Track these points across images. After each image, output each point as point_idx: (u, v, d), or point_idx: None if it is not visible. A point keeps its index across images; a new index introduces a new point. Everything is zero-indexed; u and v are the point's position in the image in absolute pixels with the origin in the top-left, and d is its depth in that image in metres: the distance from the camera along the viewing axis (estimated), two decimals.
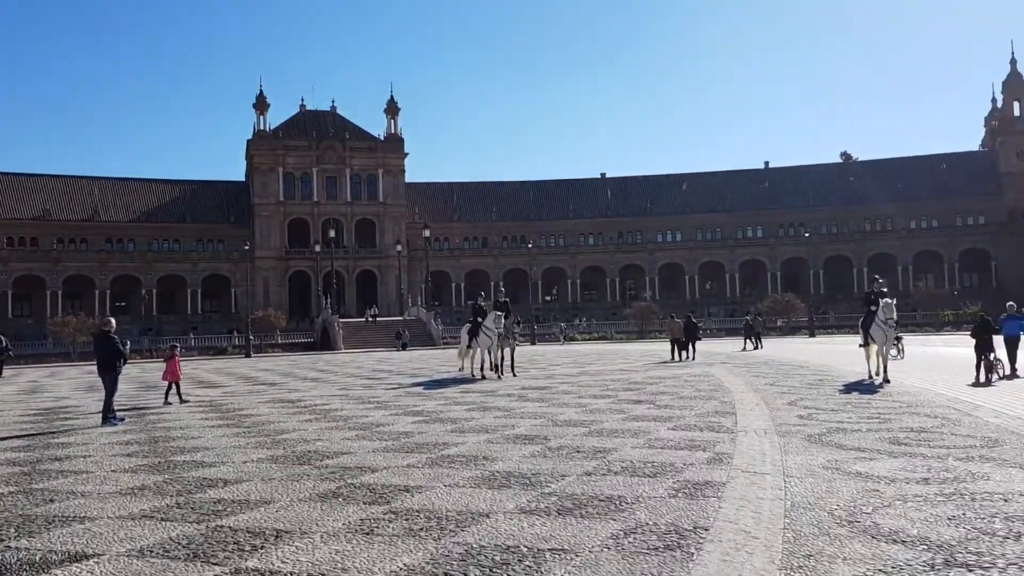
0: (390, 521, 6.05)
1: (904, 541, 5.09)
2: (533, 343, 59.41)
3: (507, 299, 24.26)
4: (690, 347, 31.39)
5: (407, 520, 6.06)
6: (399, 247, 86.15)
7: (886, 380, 17.15)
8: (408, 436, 10.77)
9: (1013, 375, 18.20)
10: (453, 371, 25.80)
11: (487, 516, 6.08)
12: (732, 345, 44.42)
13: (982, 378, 17.84)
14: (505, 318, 22.14)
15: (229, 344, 63.94)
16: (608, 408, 13.57)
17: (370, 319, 71.25)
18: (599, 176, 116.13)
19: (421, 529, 5.77)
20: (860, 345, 19.03)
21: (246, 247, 75.10)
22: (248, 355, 54.09)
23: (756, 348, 39.58)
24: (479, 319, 22.35)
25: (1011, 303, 19.88)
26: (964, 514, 5.77)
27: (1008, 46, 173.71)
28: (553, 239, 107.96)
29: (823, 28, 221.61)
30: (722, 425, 11.06)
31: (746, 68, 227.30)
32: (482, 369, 22.45)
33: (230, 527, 6.04)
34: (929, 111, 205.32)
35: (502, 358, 22.32)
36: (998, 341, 18.63)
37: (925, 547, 4.95)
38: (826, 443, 9.31)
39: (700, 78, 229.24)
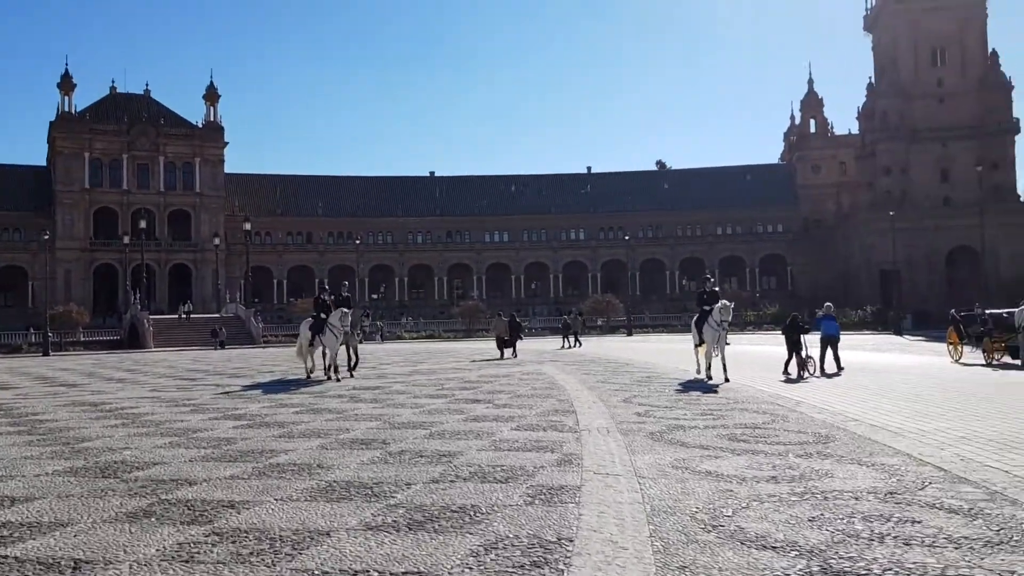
0: (214, 545, 5.25)
1: (774, 547, 4.90)
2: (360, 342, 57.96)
3: (349, 293, 22.82)
4: (513, 345, 32.18)
5: (234, 543, 5.28)
6: (217, 240, 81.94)
7: (709, 376, 17.65)
8: (230, 443, 9.81)
9: (838, 371, 19.14)
10: (277, 371, 24.49)
11: (327, 535, 5.41)
12: (554, 343, 45.15)
13: (793, 374, 18.80)
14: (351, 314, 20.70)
15: (25, 342, 58.46)
16: (446, 408, 13.08)
17: (184, 316, 67.28)
18: (429, 174, 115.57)
19: (251, 553, 5.03)
20: (696, 345, 19.06)
21: (46, 237, 68.85)
22: (46, 353, 49.70)
23: (572, 346, 40.52)
24: (323, 315, 20.47)
25: (828, 304, 21.05)
26: (822, 515, 5.70)
27: (807, 68, 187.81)
28: (381, 236, 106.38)
29: (643, 43, 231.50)
30: (564, 424, 10.84)
31: (570, 78, 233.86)
32: (328, 370, 20.31)
33: (16, 557, 5.03)
34: (736, 126, 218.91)
35: (348, 357, 21.01)
36: (810, 340, 19.66)
37: (797, 553, 4.77)
38: (669, 441, 9.24)
39: (531, 84, 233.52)
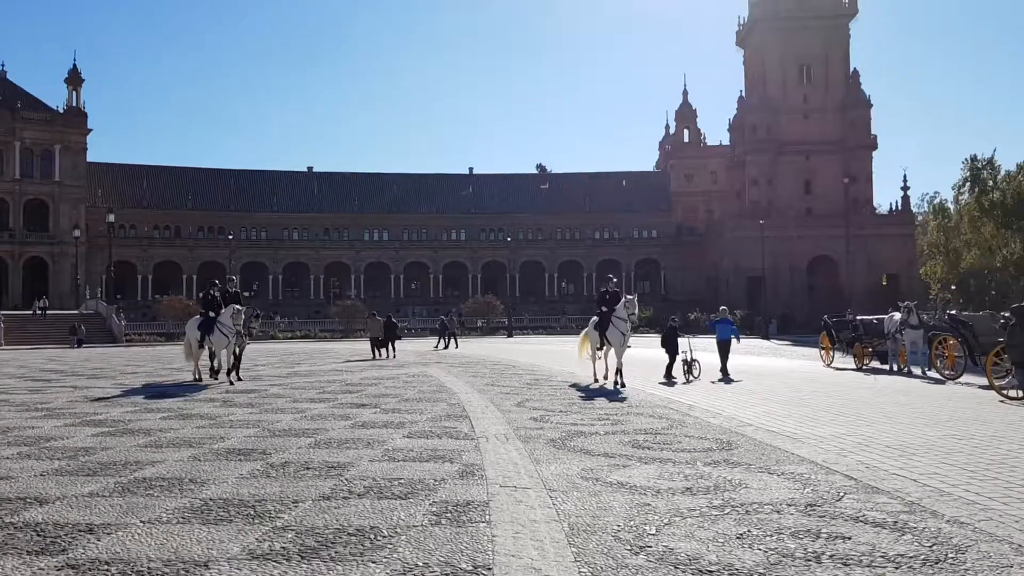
0: None
1: (711, 571, 4.50)
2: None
3: (238, 289, 20.99)
4: (390, 346, 32.13)
5: None
6: (77, 232, 77.02)
7: (622, 384, 16.53)
8: (88, 453, 8.77)
9: (726, 378, 18.96)
10: (141, 373, 22.87)
11: (205, 566, 4.67)
12: (432, 344, 44.58)
13: (679, 379, 18.88)
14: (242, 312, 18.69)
15: None
16: (330, 414, 12.28)
17: (39, 312, 62.83)
18: (307, 170, 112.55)
19: None
20: (596, 348, 18.16)
21: None
22: None
23: (447, 347, 40.13)
24: (211, 312, 18.44)
25: (724, 307, 21.17)
26: (749, 531, 5.37)
27: (682, 79, 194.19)
28: (255, 232, 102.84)
29: (526, 47, 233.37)
30: (459, 431, 10.28)
31: (453, 79, 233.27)
32: (217, 373, 18.61)
33: None
34: (614, 133, 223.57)
35: (236, 358, 18.66)
36: (701, 343, 19.81)
37: None
38: (572, 448, 8.84)
39: (412, 83, 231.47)
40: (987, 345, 18.41)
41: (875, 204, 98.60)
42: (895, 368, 22.22)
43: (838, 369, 23.14)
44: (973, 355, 18.53)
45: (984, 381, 17.81)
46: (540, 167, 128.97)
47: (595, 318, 18.07)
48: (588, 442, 9.32)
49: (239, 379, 18.32)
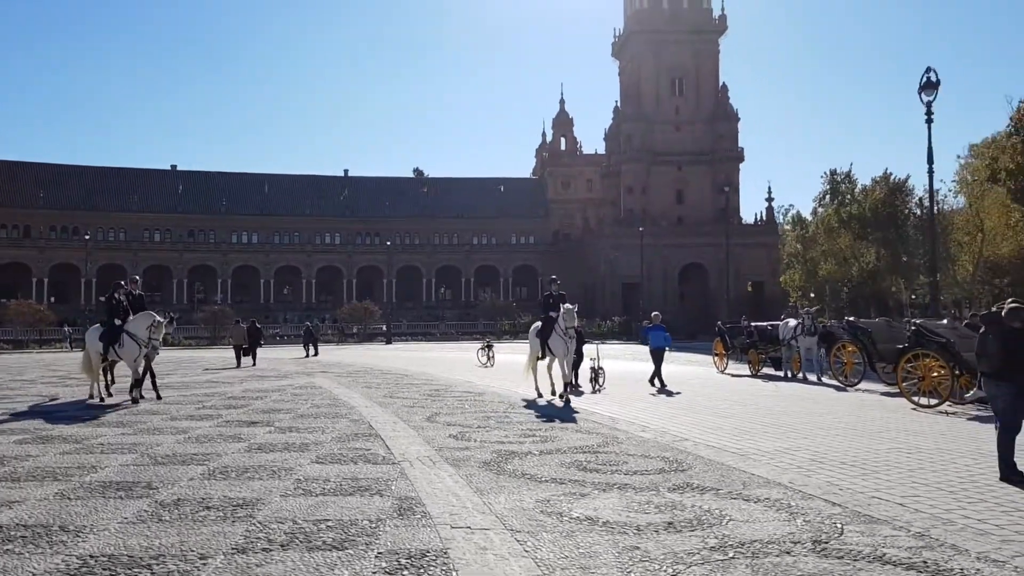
0: None
1: None
2: (72, 349, 51.95)
3: (142, 292, 17.96)
4: (253, 352, 31.44)
5: None
6: None
7: (567, 398, 14.74)
8: None
9: (663, 389, 18.10)
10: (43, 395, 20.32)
11: None
12: (300, 351, 42.71)
13: (587, 387, 18.17)
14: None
15: None
16: (218, 434, 10.78)
17: None
18: (170, 168, 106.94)
19: None
20: (538, 358, 16.12)
21: None
22: None
23: (310, 355, 38.53)
24: (116, 320, 15.47)
25: (656, 312, 20.51)
26: None
27: (559, 88, 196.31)
28: (113, 233, 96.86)
29: (403, 51, 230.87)
30: (375, 453, 9.08)
31: (326, 78, 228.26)
32: (132, 390, 15.48)
33: None
34: (492, 139, 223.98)
35: (150, 372, 16.31)
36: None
37: None
38: (512, 474, 7.82)
39: (282, 79, 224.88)
40: (885, 352, 18.60)
41: (742, 214, 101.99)
42: (789, 375, 22.31)
43: (734, 376, 23.05)
44: (872, 362, 18.65)
45: (884, 388, 18.01)
46: (417, 171, 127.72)
47: (537, 324, 16.44)
48: (526, 465, 8.32)
49: (158, 397, 15.72)
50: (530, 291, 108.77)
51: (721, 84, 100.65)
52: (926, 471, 8.05)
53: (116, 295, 15.89)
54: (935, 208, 27.92)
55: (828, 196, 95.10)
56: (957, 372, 14.07)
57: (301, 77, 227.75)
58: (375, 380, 21.25)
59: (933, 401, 14.19)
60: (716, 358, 25.44)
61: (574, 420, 12.26)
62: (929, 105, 23.73)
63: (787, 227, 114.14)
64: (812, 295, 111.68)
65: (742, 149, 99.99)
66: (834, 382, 19.72)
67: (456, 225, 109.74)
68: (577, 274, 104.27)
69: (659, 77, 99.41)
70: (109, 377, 16.67)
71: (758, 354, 23.38)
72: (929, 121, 24.24)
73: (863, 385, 18.60)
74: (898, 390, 17.47)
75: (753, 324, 24.65)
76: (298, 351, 43.60)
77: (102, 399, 15.59)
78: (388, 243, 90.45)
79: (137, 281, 18.01)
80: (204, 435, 10.68)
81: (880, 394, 17.27)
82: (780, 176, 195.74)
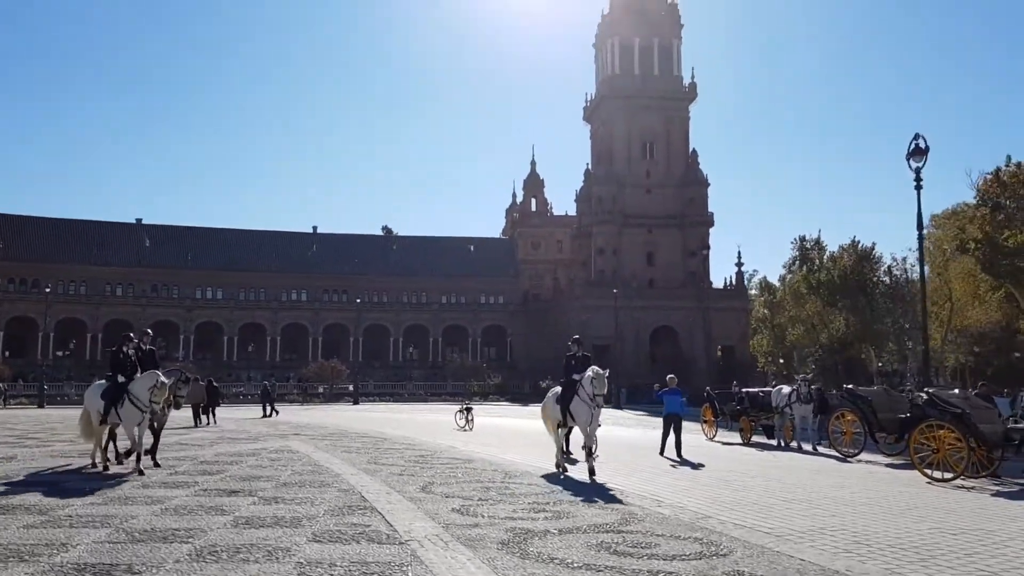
0: None
1: None
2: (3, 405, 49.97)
3: (154, 347, 15.81)
4: (211, 412, 31.31)
5: None
6: None
7: (591, 468, 12.88)
8: None
9: (679, 458, 17.08)
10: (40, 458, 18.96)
11: None
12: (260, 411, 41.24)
13: (575, 454, 17.37)
14: (182, 379, 15.28)
15: None
16: (198, 505, 9.80)
17: None
18: (135, 221, 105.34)
19: None
20: (557, 426, 14.30)
21: None
22: None
23: (268, 415, 37.31)
24: (120, 376, 13.72)
25: (671, 375, 19.72)
26: None
27: (530, 149, 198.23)
28: (73, 286, 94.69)
29: (373, 108, 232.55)
30: (377, 530, 8.19)
31: (301, 133, 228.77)
32: (128, 456, 14.01)
33: None
34: (461, 198, 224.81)
35: (154, 436, 14.67)
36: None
37: None
38: (538, 558, 7.00)
39: (251, 134, 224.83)
40: (886, 421, 18.06)
41: (711, 279, 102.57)
42: (782, 443, 21.69)
43: (724, 443, 22.35)
44: (872, 431, 18.08)
45: (886, 459, 17.43)
46: (386, 229, 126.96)
47: (556, 388, 14.53)
48: (550, 546, 7.50)
49: (156, 464, 14.03)
50: (499, 351, 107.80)
51: (691, 149, 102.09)
52: (984, 556, 7.39)
53: (124, 348, 14.07)
54: (920, 274, 27.78)
55: (798, 262, 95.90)
56: (973, 445, 13.52)
57: (271, 131, 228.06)
58: (354, 444, 20.23)
59: (948, 475, 13.59)
60: (704, 425, 24.75)
61: (581, 493, 11.43)
62: (918, 172, 23.67)
63: (754, 292, 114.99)
64: (781, 360, 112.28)
65: (712, 214, 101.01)
66: (831, 452, 19.12)
67: (424, 284, 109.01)
68: (548, 335, 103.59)
69: (630, 141, 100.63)
70: (112, 443, 14.47)
71: (750, 421, 22.76)
72: (918, 187, 24.17)
73: (864, 456, 18.00)
74: (902, 461, 16.97)
75: (744, 390, 24.07)
76: (258, 411, 42.03)
77: (105, 467, 13.67)
78: (359, 300, 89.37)
79: (149, 335, 15.91)
80: (182, 506, 9.70)
81: (884, 465, 16.68)
82: (747, 242, 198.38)
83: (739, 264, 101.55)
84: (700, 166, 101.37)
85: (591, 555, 7.12)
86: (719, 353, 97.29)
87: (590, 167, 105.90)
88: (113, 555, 6.86)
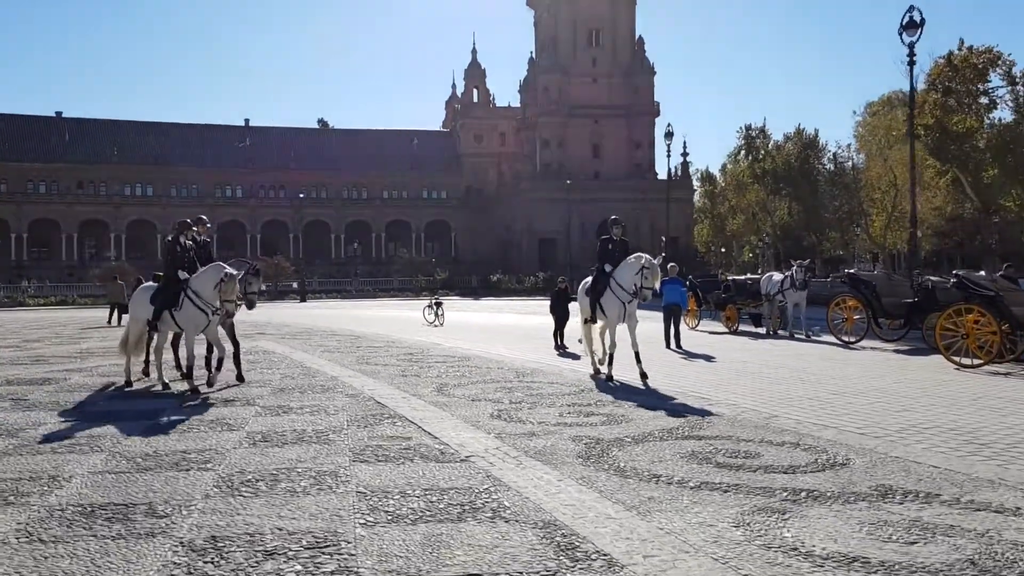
0: None
1: None
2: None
3: (209, 240, 12.55)
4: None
5: None
6: None
7: (608, 375, 11.56)
8: None
9: (681, 351, 16.46)
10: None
11: None
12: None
13: (572, 348, 16.50)
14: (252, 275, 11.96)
15: None
16: (198, 421, 8.44)
17: None
18: (55, 115, 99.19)
19: None
20: (585, 320, 12.63)
21: None
22: None
23: None
24: (180, 272, 11.06)
25: (673, 264, 18.64)
26: None
27: (471, 38, 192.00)
28: None
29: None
30: (426, 445, 6.99)
31: (230, 22, 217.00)
32: (185, 373, 11.29)
33: None
34: (399, 90, 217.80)
35: (235, 345, 12.06)
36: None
37: None
38: (638, 474, 5.90)
39: (179, 23, 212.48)
40: (890, 306, 17.46)
41: (657, 169, 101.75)
42: (771, 331, 21.09)
43: (712, 333, 21.65)
44: (876, 317, 17.47)
45: (892, 346, 16.86)
46: (322, 122, 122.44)
47: (588, 279, 12.60)
48: (637, 460, 6.41)
49: (241, 379, 11.49)
50: (443, 247, 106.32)
51: (637, 37, 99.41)
52: None
53: (181, 239, 11.40)
54: (910, 157, 27.11)
55: (743, 151, 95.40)
56: (1006, 329, 12.86)
57: (198, 20, 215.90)
58: (328, 343, 18.92)
59: (976, 361, 12.95)
60: (687, 314, 23.97)
61: (614, 393, 10.40)
62: (911, 46, 22.62)
63: (695, 183, 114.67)
64: (723, 249, 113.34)
65: (658, 103, 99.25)
66: (827, 339, 18.52)
67: (365, 179, 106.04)
68: (492, 229, 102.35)
69: (576, 28, 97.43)
70: (183, 358, 11.57)
71: (736, 310, 22.05)
72: (911, 63, 23.17)
73: (867, 343, 17.40)
74: (908, 347, 16.42)
75: (731, 278, 23.30)
76: None
77: (129, 382, 11.39)
78: (301, 195, 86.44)
79: (205, 223, 12.29)
80: (178, 421, 8.36)
81: (894, 352, 16.07)
82: (692, 132, 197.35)
83: (684, 154, 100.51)
84: (647, 54, 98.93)
85: (695, 469, 6.05)
86: (663, 243, 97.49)
87: (534, 56, 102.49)
88: (122, 491, 5.53)
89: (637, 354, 11.40)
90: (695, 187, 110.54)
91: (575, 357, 15.18)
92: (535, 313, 35.23)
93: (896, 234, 78.57)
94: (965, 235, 76.24)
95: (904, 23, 22.40)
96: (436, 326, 25.63)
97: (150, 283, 11.99)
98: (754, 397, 9.82)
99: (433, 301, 27.60)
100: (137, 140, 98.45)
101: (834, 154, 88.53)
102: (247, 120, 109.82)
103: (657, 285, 11.59)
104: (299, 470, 6.07)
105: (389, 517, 4.84)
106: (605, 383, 11.17)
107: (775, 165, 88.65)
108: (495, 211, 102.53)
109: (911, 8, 22.19)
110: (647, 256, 11.59)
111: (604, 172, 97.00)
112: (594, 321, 12.31)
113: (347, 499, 5.25)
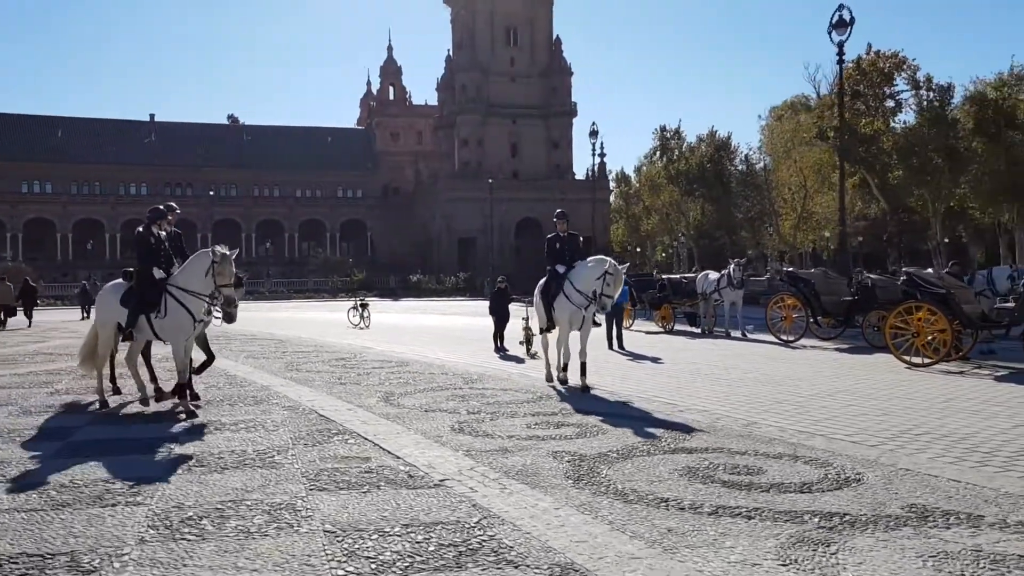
0: None
1: None
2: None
3: (179, 230, 10.31)
4: (29, 314, 30.29)
5: None
6: None
7: (562, 379, 10.76)
8: None
9: (624, 352, 16.03)
10: None
11: None
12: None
13: (512, 350, 15.87)
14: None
15: None
16: (112, 438, 7.40)
17: None
18: None
19: None
20: (542, 330, 11.37)
21: None
22: None
23: (85, 318, 34.23)
24: (157, 270, 9.22)
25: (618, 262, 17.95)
26: None
27: (387, 34, 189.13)
28: None
29: None
30: (389, 467, 6.16)
31: (137, 14, 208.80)
32: (179, 388, 9.19)
33: None
34: (314, 86, 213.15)
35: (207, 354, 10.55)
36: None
37: None
38: (642, 499, 5.22)
39: (79, 13, 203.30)
40: (829, 304, 17.34)
41: (574, 170, 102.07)
42: (705, 331, 20.85)
43: (648, 333, 21.29)
44: (815, 315, 17.33)
45: (841, 344, 16.73)
46: (232, 118, 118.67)
47: (542, 282, 11.30)
48: (633, 479, 5.74)
49: (195, 400, 9.41)
50: (358, 246, 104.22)
51: (555, 37, 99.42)
52: None
53: (154, 228, 9.43)
54: (839, 165, 27.35)
55: (658, 152, 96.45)
56: (958, 328, 12.75)
57: (103, 12, 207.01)
58: (251, 348, 17.83)
59: (927, 360, 12.80)
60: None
61: (574, 401, 9.75)
62: (841, 45, 22.74)
63: (612, 184, 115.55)
64: (638, 249, 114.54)
65: (575, 104, 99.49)
66: (765, 337, 18.32)
67: (278, 177, 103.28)
68: (410, 229, 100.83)
69: (494, 26, 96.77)
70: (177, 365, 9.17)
71: (672, 309, 21.75)
72: (840, 62, 23.33)
73: (806, 341, 17.24)
74: (847, 345, 16.30)
75: (666, 277, 23.00)
76: (77, 313, 37.90)
77: (103, 401, 9.56)
78: (211, 192, 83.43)
79: (175, 211, 10.26)
80: (90, 442, 7.30)
81: (835, 350, 15.91)
82: (609, 133, 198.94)
83: (602, 155, 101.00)
84: (564, 54, 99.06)
85: (703, 491, 5.41)
86: (580, 243, 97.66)
87: (451, 54, 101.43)
88: (35, 535, 4.55)
89: (584, 364, 10.43)
90: (611, 187, 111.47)
91: (518, 360, 14.53)
92: (460, 314, 34.58)
93: (804, 234, 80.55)
94: (871, 235, 78.80)
95: (834, 22, 22.50)
96: (362, 328, 24.66)
97: (118, 280, 9.96)
98: (722, 402, 9.31)
99: (358, 303, 26.53)
100: (33, 135, 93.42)
101: (746, 156, 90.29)
102: (152, 115, 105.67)
103: (617, 294, 10.73)
104: (248, 503, 5.18)
105: (374, 566, 4.03)
106: (564, 390, 10.47)
107: (689, 166, 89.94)
108: (413, 210, 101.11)
109: (840, 7, 22.29)
110: (612, 260, 10.57)
111: (523, 172, 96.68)
112: (549, 329, 11.12)
113: (315, 541, 4.41)
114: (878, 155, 63.46)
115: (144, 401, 9.60)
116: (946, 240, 78.00)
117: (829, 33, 22.71)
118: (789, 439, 7.08)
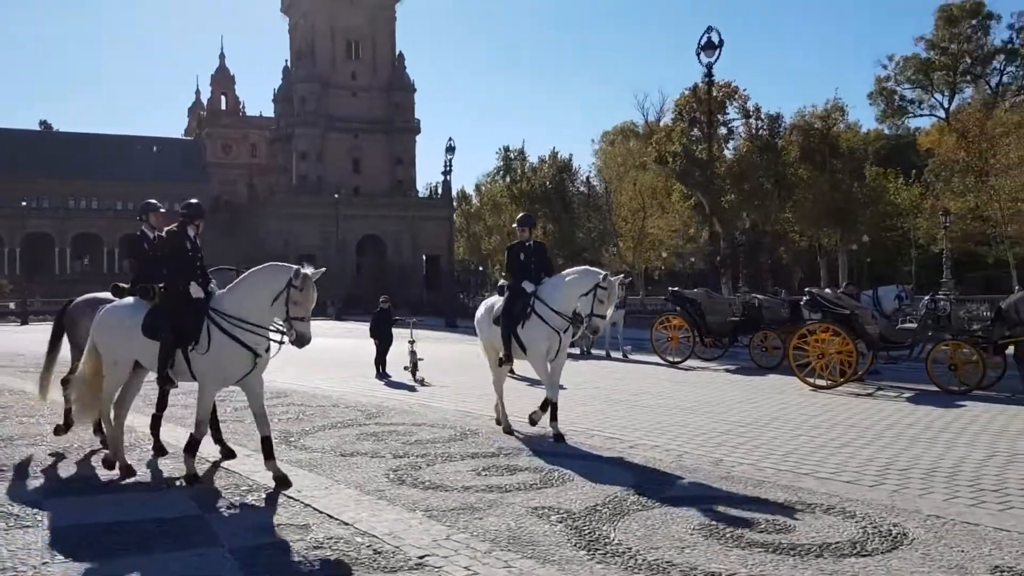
0: None
1: None
2: None
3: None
4: None
5: None
6: None
7: (556, 432, 8.39)
8: None
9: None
10: None
11: None
12: None
13: (395, 376, 14.65)
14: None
15: None
16: None
17: None
18: None
19: None
20: (500, 361, 8.98)
21: None
22: None
23: None
24: (194, 287, 6.73)
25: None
26: None
27: (219, 41, 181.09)
28: None
29: None
30: (346, 540, 4.89)
31: None
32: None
33: None
34: (138, 93, 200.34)
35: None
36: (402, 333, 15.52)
37: None
38: (680, 573, 4.28)
39: None
40: (714, 325, 17.16)
41: (418, 187, 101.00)
42: (583, 351, 20.29)
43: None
44: (702, 335, 17.09)
45: (728, 364, 16.53)
46: (44, 124, 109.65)
47: (491, 300, 9.56)
48: (642, 540, 4.79)
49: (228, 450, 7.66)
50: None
51: (398, 52, 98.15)
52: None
53: (190, 228, 7.11)
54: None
55: (501, 172, 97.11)
56: (863, 349, 12.68)
57: None
58: None
59: (829, 382, 12.65)
60: None
61: (511, 439, 8.69)
62: (709, 67, 23.00)
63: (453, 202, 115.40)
64: (480, 268, 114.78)
65: (419, 121, 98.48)
66: (649, 359, 17.94)
67: (97, 188, 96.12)
68: (244, 244, 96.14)
69: (334, 39, 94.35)
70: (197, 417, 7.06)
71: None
72: (709, 83, 23.62)
73: (692, 363, 16.96)
74: (734, 366, 16.14)
75: None
76: None
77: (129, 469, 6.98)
78: (24, 203, 76.24)
79: (194, 205, 7.39)
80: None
81: (726, 371, 15.67)
82: (458, 150, 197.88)
83: (445, 172, 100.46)
84: (407, 70, 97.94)
85: (741, 557, 4.51)
86: (424, 262, 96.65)
87: (289, 65, 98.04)
88: None
89: (555, 406, 8.52)
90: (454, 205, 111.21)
91: (410, 388, 13.30)
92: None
93: (642, 255, 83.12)
94: (703, 257, 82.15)
95: (702, 44, 22.73)
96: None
97: (127, 300, 7.48)
98: (666, 434, 8.54)
99: None
100: None
101: (587, 178, 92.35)
102: None
103: (611, 312, 9.22)
104: None
105: None
106: (491, 425, 9.25)
107: (532, 186, 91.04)
108: (247, 226, 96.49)
109: (709, 29, 22.58)
110: (604, 272, 8.64)
111: (365, 188, 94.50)
112: (508, 360, 9.00)
113: None
114: (712, 179, 66.42)
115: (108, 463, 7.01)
116: (769, 262, 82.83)
117: (698, 54, 22.95)
118: (779, 481, 6.36)
